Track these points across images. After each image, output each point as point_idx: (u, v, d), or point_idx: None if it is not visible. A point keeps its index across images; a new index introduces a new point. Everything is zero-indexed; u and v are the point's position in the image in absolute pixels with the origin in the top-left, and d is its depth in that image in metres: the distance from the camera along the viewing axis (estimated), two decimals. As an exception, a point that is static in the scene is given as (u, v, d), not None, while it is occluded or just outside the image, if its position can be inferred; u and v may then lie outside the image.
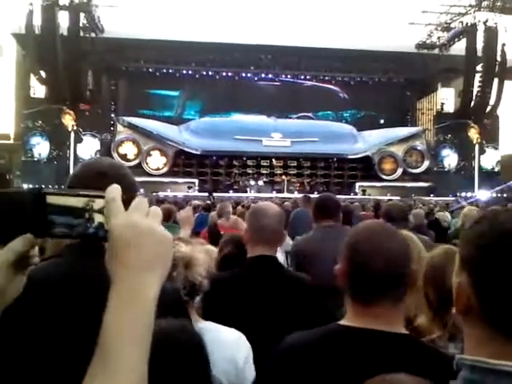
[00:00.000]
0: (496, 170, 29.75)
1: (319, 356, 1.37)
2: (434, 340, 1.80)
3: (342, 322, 1.44)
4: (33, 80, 26.69)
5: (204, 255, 2.01)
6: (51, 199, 0.82)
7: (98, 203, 0.81)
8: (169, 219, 6.29)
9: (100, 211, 0.80)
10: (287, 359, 1.42)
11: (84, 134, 27.11)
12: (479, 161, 29.44)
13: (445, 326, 1.75)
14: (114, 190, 0.79)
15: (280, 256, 3.07)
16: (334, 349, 1.37)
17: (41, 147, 26.31)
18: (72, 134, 26.12)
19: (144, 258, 0.75)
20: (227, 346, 1.91)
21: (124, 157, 28.34)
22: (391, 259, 1.39)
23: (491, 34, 27.51)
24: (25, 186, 22.52)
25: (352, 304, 1.43)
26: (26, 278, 1.42)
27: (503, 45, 27.80)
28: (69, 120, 25.76)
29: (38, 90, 26.94)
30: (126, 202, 0.79)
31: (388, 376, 0.92)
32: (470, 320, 0.90)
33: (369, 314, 1.39)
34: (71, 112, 25.67)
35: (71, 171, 24.67)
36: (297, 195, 16.55)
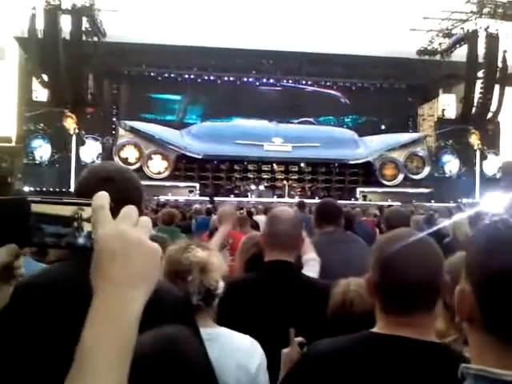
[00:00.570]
0: (497, 176, 29.74)
1: (353, 363, 1.35)
2: (450, 344, 1.81)
3: (374, 330, 1.42)
4: (35, 83, 26.77)
5: (218, 260, 2.01)
6: (38, 208, 0.80)
7: (87, 212, 0.77)
8: (171, 223, 6.27)
9: (89, 220, 0.77)
10: (320, 365, 1.40)
11: (86, 137, 27.17)
12: (480, 167, 29.44)
13: (461, 330, 1.75)
14: (102, 197, 0.75)
15: (316, 265, 3.03)
16: (368, 356, 1.36)
17: (42, 150, 26.34)
18: (74, 137, 26.16)
19: (130, 271, 0.70)
20: (240, 352, 1.90)
21: (125, 161, 28.33)
22: (425, 268, 1.38)
23: (492, 40, 27.56)
24: (26, 189, 22.55)
25: (383, 313, 1.42)
26: (31, 283, 1.42)
27: (504, 51, 27.85)
28: (70, 123, 25.80)
29: (40, 94, 27.01)
30: (115, 211, 0.74)
31: None
32: (473, 327, 0.90)
33: (402, 323, 1.37)
34: (73, 115, 25.72)
35: (72, 174, 24.78)
36: (297, 200, 16.55)
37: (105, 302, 0.69)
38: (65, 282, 1.42)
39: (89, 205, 0.76)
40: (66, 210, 0.79)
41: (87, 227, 0.78)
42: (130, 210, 0.75)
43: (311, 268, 2.92)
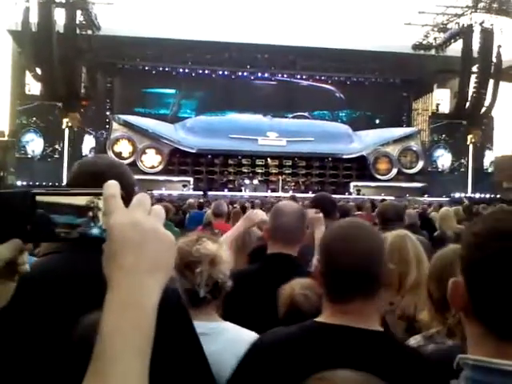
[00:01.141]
0: (489, 170, 29.88)
1: (295, 353, 1.39)
2: (433, 335, 1.82)
3: (318, 319, 1.46)
4: (28, 77, 26.60)
5: (228, 254, 2.02)
6: (47, 199, 0.77)
7: (102, 202, 0.74)
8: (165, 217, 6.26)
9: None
10: (264, 355, 1.44)
11: (80, 131, 27.12)
12: (473, 161, 29.57)
13: (445, 322, 1.77)
14: (113, 186, 0.73)
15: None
16: (310, 346, 1.39)
17: (34, 144, 26.22)
18: (66, 131, 26.06)
19: (145, 260, 0.68)
20: (242, 346, 1.92)
21: (119, 155, 28.25)
22: (362, 258, 1.40)
23: (487, 35, 27.59)
24: (18, 184, 22.44)
25: (328, 302, 1.45)
26: (26, 275, 1.40)
27: (499, 46, 27.90)
28: (73, 121, 25.73)
29: (34, 87, 26.86)
30: (126, 200, 0.72)
31: (328, 373, 0.89)
32: (468, 319, 0.91)
33: (343, 311, 1.41)
34: (76, 114, 25.68)
35: (65, 168, 24.66)
36: (290, 195, 16.56)
37: (119, 291, 0.67)
38: (59, 273, 1.41)
39: (99, 195, 0.74)
40: (80, 200, 0.76)
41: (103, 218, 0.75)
42: (143, 198, 0.73)
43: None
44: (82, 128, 26.71)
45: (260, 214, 3.69)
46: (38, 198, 0.77)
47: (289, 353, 1.40)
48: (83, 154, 26.74)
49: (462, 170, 29.62)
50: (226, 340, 1.94)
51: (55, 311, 1.33)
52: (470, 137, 29.11)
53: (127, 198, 0.73)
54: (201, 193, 21.35)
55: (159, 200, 12.23)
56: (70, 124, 25.61)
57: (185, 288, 1.94)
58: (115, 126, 29.27)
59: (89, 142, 28.01)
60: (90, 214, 0.76)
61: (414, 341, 1.89)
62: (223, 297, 2.01)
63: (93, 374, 0.65)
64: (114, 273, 0.68)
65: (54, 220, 0.77)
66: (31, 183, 21.65)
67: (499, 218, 0.90)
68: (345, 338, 1.37)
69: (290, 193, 22.39)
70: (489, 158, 30.24)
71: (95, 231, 0.76)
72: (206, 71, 33.16)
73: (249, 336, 1.99)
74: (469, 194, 26.06)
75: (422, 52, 31.83)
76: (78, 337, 1.05)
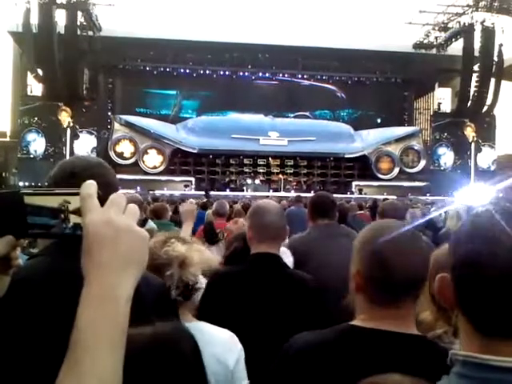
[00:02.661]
0: (492, 168, 29.85)
1: (332, 357, 1.34)
2: (441, 336, 1.82)
3: (355, 323, 1.42)
4: (30, 78, 26.66)
5: (200, 254, 1.97)
6: (29, 199, 0.81)
7: (73, 203, 0.79)
8: (162, 217, 6.21)
9: (75, 212, 0.79)
10: (300, 359, 1.39)
11: (81, 131, 27.08)
12: (475, 160, 29.54)
13: (449, 321, 1.77)
14: (90, 186, 0.77)
15: (289, 256, 3.04)
16: (348, 350, 1.35)
17: (37, 144, 26.26)
18: (68, 131, 26.07)
19: (119, 256, 0.72)
20: (218, 346, 1.87)
21: (121, 155, 28.33)
22: (415, 262, 1.38)
23: (488, 34, 27.59)
24: (21, 184, 22.49)
25: (368, 305, 1.41)
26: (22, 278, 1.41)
27: (500, 45, 27.91)
28: (65, 117, 25.71)
29: (35, 88, 26.92)
30: (102, 199, 0.76)
31: (379, 377, 0.90)
32: (459, 314, 0.92)
33: (385, 315, 1.37)
34: (67, 109, 25.63)
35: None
36: (293, 194, 16.56)
37: (95, 286, 0.71)
38: (39, 276, 1.40)
39: (77, 194, 0.78)
40: (53, 202, 0.81)
41: (74, 219, 0.80)
42: (117, 197, 0.77)
43: (287, 255, 2.93)
44: (74, 125, 26.63)
45: (190, 202, 3.75)
46: (25, 198, 0.82)
47: (327, 358, 1.35)
48: (85, 154, 26.75)
49: (465, 168, 29.59)
50: (199, 340, 1.91)
51: (41, 310, 1.34)
52: (472, 135, 29.09)
53: (104, 198, 0.77)
54: (203, 193, 21.33)
55: (155, 199, 12.31)
56: (61, 120, 25.53)
57: None
58: (117, 126, 29.27)
59: (90, 142, 28.03)
60: (62, 216, 0.80)
61: None
62: (198, 297, 1.96)
63: (69, 365, 0.67)
64: (91, 268, 0.72)
65: (33, 221, 0.82)
66: (33, 183, 21.67)
67: (480, 215, 0.91)
68: (386, 343, 1.33)
69: (293, 192, 22.40)
70: (491, 156, 30.22)
71: (68, 232, 0.81)
72: (207, 71, 33.16)
73: (223, 335, 1.95)
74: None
75: (423, 51, 31.87)
76: None
